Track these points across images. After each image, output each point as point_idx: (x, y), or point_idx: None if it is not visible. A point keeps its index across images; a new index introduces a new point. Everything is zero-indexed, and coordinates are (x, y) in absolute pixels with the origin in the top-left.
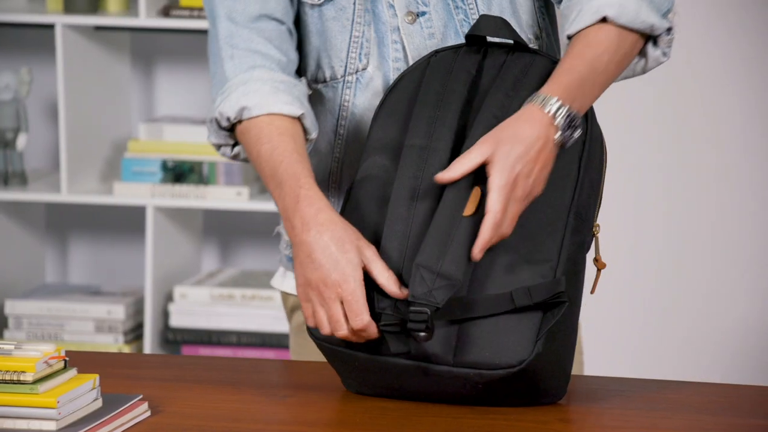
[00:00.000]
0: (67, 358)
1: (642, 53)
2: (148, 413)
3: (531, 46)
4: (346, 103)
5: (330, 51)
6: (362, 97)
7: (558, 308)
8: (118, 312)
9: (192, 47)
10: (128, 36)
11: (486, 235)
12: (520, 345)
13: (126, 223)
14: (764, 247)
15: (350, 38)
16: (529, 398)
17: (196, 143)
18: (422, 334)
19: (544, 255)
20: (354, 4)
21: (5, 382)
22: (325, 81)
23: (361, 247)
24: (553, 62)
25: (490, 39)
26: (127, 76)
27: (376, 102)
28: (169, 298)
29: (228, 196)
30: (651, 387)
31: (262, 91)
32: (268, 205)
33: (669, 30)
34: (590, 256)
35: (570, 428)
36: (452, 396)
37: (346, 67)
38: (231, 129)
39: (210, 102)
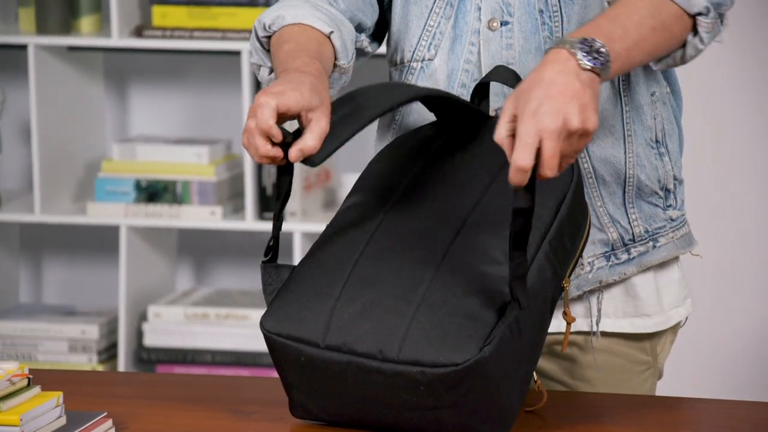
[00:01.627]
0: (30, 376)
1: (683, 44)
2: (113, 430)
3: None
4: None
5: (406, 34)
6: (422, 85)
7: (509, 313)
8: (92, 332)
9: (165, 67)
10: (101, 56)
11: (516, 157)
12: (467, 347)
13: (100, 242)
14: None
15: (424, 26)
16: (467, 420)
17: (169, 163)
18: None
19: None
20: None
21: None
22: (395, 64)
23: (323, 108)
24: None
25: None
26: (100, 96)
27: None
28: (143, 317)
29: (202, 216)
30: (637, 402)
31: (302, 7)
32: (242, 224)
33: (708, 12)
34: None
35: None
36: (393, 403)
37: (413, 53)
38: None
39: (183, 122)
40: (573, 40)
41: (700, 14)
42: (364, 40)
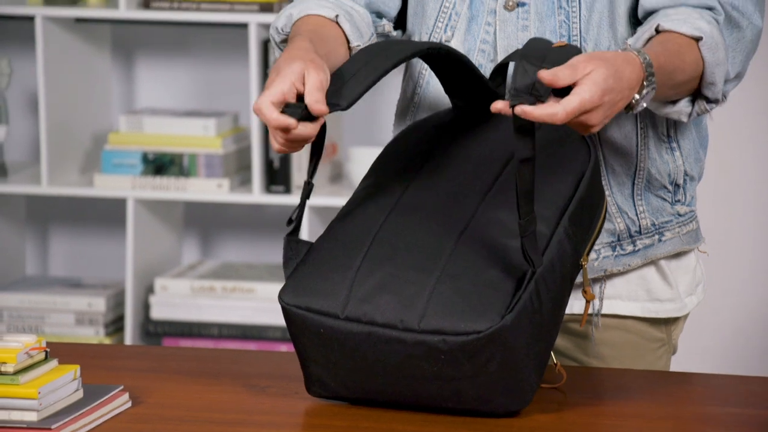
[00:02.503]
0: (48, 349)
1: (675, 102)
2: (129, 404)
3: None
4: (423, 71)
5: (422, 17)
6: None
7: (529, 281)
8: (98, 304)
9: (172, 39)
10: (108, 28)
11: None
12: (489, 315)
13: (107, 215)
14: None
15: (440, 7)
16: (486, 392)
17: (176, 135)
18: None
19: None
20: None
21: None
22: None
23: (307, 63)
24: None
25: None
26: (107, 68)
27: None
28: (149, 290)
29: (209, 188)
30: (651, 378)
31: (309, 2)
32: (249, 197)
33: (721, 101)
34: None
35: (564, 416)
36: (413, 375)
37: (430, 35)
38: None
39: (190, 94)
40: (650, 65)
41: (716, 101)
42: (386, 25)
